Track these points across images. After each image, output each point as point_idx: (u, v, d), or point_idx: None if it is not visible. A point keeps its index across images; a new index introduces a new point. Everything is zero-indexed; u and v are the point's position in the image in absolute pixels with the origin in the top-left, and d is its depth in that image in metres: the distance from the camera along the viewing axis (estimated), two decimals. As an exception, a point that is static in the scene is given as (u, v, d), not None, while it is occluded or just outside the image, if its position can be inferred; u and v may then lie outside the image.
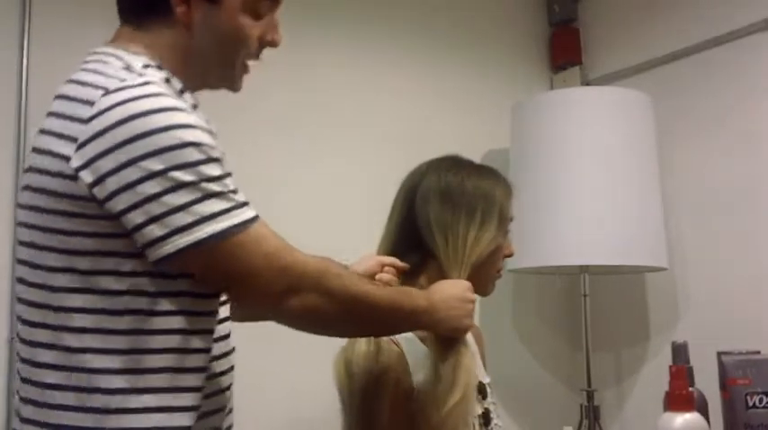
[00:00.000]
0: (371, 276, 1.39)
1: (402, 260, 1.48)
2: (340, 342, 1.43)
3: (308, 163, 2.45)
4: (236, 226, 1.00)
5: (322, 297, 1.07)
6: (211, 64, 1.15)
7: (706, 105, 2.56)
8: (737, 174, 2.46)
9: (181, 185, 0.97)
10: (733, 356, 1.53)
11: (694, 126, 2.60)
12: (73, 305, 0.99)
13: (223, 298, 1.12)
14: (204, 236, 0.98)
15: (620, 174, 2.42)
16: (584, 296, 2.59)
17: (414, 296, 1.27)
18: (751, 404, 1.49)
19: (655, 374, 2.47)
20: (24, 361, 1.04)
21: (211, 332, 1.08)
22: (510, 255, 1.57)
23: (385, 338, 1.39)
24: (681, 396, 1.33)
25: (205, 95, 1.17)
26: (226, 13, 1.13)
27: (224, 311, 1.14)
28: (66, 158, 0.98)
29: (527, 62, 2.99)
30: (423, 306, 1.26)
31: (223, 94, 1.21)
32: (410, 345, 1.42)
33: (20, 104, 2.07)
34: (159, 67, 1.07)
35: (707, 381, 1.54)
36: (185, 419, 1.03)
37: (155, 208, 0.97)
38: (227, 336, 1.15)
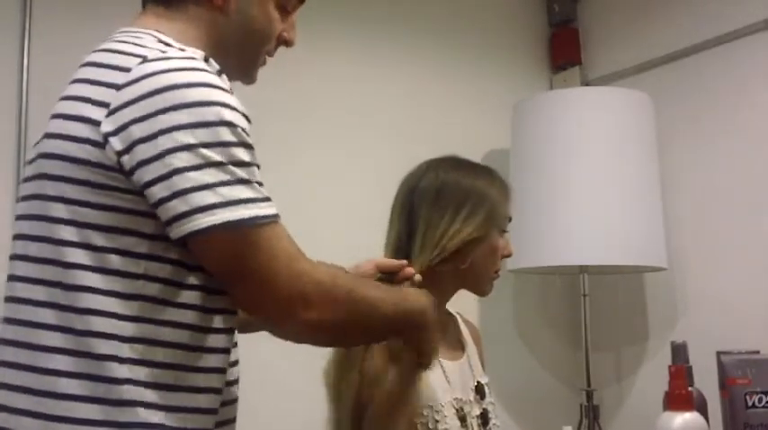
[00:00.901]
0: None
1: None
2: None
3: (307, 162, 2.45)
4: (258, 217, 0.95)
5: (334, 311, 1.01)
6: (237, 53, 1.13)
7: (706, 105, 2.56)
8: (737, 174, 2.46)
9: (210, 164, 0.93)
10: (732, 356, 1.53)
11: (694, 126, 2.60)
12: (86, 284, 0.94)
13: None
14: (234, 218, 0.93)
15: (619, 174, 2.42)
16: (584, 296, 2.59)
17: (410, 293, 1.23)
18: (750, 403, 1.49)
19: (654, 374, 2.46)
20: (17, 344, 0.97)
21: (231, 331, 1.04)
22: (508, 256, 1.57)
23: None
24: (680, 395, 1.33)
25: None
26: (259, 3, 1.12)
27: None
28: (96, 123, 0.94)
29: (527, 62, 2.99)
30: (422, 308, 1.21)
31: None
32: None
33: (20, 103, 2.07)
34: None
35: (706, 381, 1.54)
36: (200, 422, 0.99)
37: (180, 182, 0.92)
38: (234, 345, 1.10)
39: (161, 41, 1.01)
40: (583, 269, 2.56)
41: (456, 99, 2.77)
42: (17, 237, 1.03)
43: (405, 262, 1.39)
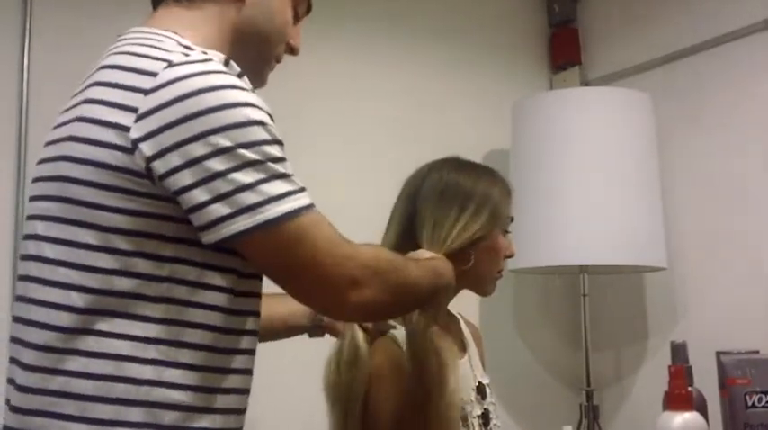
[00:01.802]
0: None
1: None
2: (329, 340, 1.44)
3: (306, 163, 2.45)
4: (299, 209, 0.97)
5: (383, 291, 1.05)
6: (253, 53, 1.13)
7: (706, 105, 2.56)
8: (737, 173, 2.46)
9: (248, 163, 0.94)
10: (732, 356, 1.53)
11: (694, 126, 2.60)
12: (108, 288, 0.95)
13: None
14: (273, 216, 0.95)
15: (619, 174, 2.42)
16: (584, 296, 2.59)
17: (441, 268, 1.27)
18: (750, 403, 1.49)
19: (654, 374, 2.47)
20: (28, 345, 0.98)
21: (255, 333, 1.05)
22: (511, 256, 1.57)
23: (382, 338, 1.40)
24: (680, 395, 1.33)
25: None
26: (279, 4, 1.13)
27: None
28: (124, 128, 0.94)
29: (527, 62, 2.99)
30: (447, 275, 1.27)
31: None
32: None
33: (21, 103, 2.07)
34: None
35: (706, 381, 1.54)
36: (229, 421, 1.01)
37: (221, 185, 0.93)
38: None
39: (181, 45, 1.01)
40: (583, 269, 2.56)
41: (456, 99, 2.77)
42: (29, 237, 1.02)
43: None
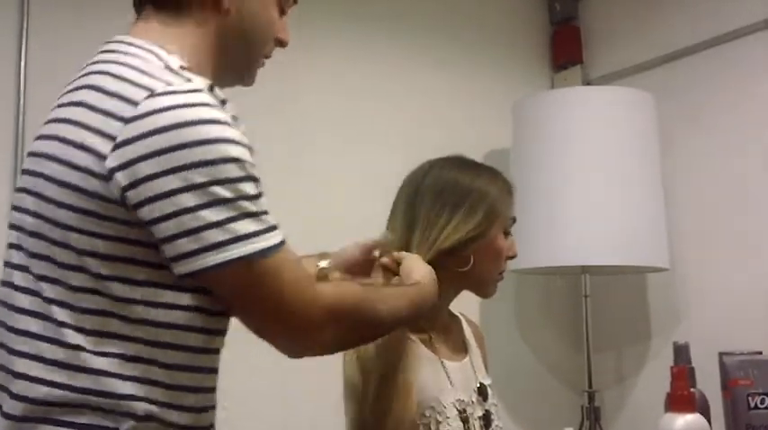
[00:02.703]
0: (357, 264, 1.38)
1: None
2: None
3: (306, 163, 2.45)
4: (267, 249, 0.97)
5: (346, 332, 1.07)
6: (240, 56, 1.14)
7: (708, 104, 2.56)
8: (739, 174, 2.46)
9: (219, 201, 0.95)
10: (734, 357, 1.53)
11: (696, 125, 2.59)
12: (87, 306, 0.97)
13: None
14: (236, 256, 0.95)
15: (621, 173, 2.42)
16: (586, 296, 2.58)
17: (423, 293, 1.27)
18: (753, 405, 1.48)
19: (656, 375, 2.46)
20: (20, 355, 0.99)
21: (218, 352, 1.07)
22: (513, 257, 1.57)
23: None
24: (682, 397, 1.32)
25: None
26: (263, 3, 1.14)
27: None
28: (101, 156, 0.94)
29: (528, 61, 2.98)
30: (429, 299, 1.28)
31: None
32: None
33: (18, 103, 2.07)
34: (191, 70, 1.04)
35: (708, 382, 1.53)
36: None
37: (190, 221, 0.94)
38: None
39: (167, 66, 1.01)
40: (584, 269, 2.55)
41: (456, 98, 2.76)
42: (12, 227, 1.04)
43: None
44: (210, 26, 1.10)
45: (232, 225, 0.95)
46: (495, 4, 2.94)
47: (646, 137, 2.48)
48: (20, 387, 0.98)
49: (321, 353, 1.09)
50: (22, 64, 2.09)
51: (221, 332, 1.06)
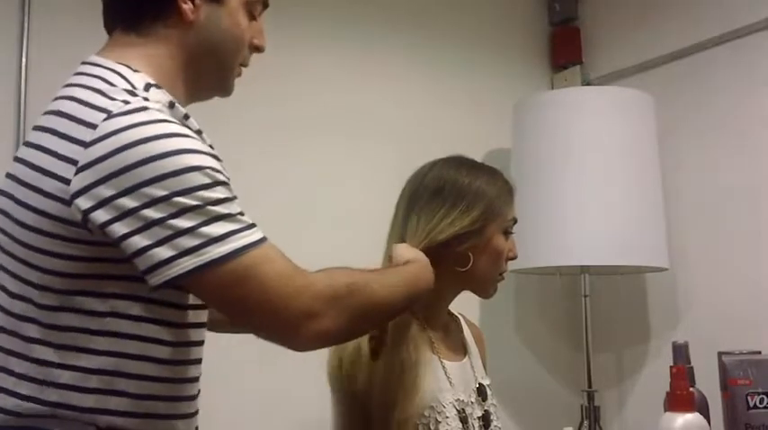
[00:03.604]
0: None
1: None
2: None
3: (307, 164, 2.45)
4: (245, 247, 0.97)
5: (341, 317, 1.04)
6: (212, 67, 1.14)
7: (707, 105, 2.56)
8: (739, 173, 2.46)
9: (186, 209, 0.95)
10: (734, 356, 1.53)
11: (696, 125, 2.59)
12: (55, 322, 0.99)
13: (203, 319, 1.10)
14: (213, 257, 0.95)
15: (621, 173, 2.42)
16: (585, 296, 2.58)
17: (417, 273, 1.26)
18: (752, 404, 1.48)
19: (655, 375, 2.46)
20: None
21: (198, 362, 1.07)
22: (513, 258, 1.57)
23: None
24: (681, 396, 1.32)
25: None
26: (228, 13, 1.12)
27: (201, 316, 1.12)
28: (64, 181, 0.96)
29: (528, 61, 2.98)
30: (424, 278, 1.27)
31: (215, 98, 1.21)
32: None
33: (19, 104, 2.07)
34: (158, 86, 1.05)
35: (708, 382, 1.53)
36: None
37: (160, 231, 0.94)
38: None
39: (129, 86, 1.02)
40: (584, 269, 2.55)
41: (456, 98, 2.76)
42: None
43: None
44: (176, 41, 1.10)
45: (204, 229, 0.95)
46: (495, 5, 2.94)
47: (646, 137, 2.48)
48: None
49: (326, 343, 1.09)
50: (23, 65, 2.09)
51: (193, 343, 1.06)
